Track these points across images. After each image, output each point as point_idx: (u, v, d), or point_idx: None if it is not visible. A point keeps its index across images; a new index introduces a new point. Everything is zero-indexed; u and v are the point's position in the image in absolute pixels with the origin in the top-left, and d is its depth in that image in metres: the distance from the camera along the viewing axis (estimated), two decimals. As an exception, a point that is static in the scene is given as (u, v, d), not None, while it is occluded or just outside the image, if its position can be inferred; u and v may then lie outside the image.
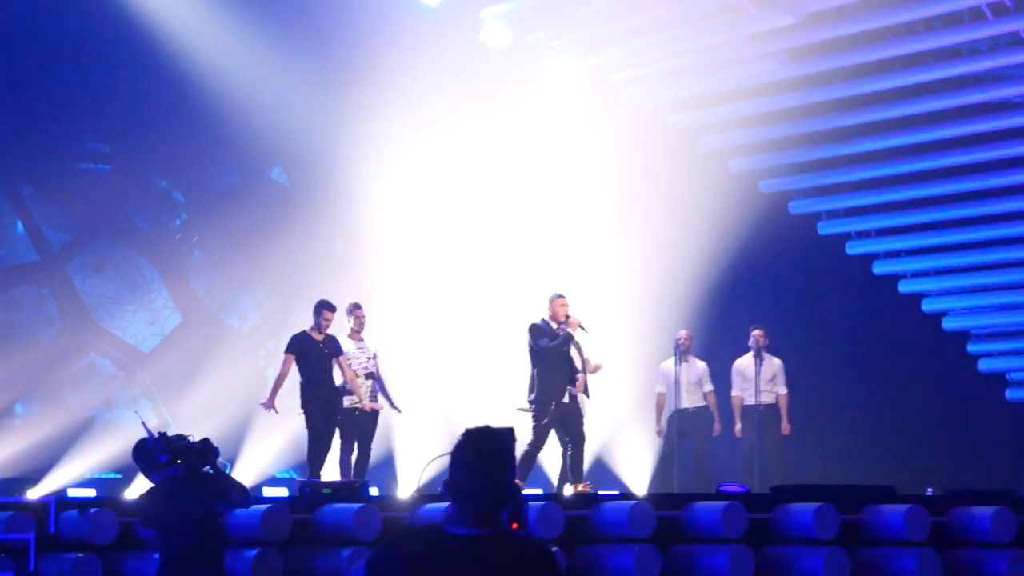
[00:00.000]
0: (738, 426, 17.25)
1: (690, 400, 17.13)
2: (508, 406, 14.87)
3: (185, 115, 18.83)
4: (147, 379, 18.85)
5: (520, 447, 14.16)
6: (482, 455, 4.85)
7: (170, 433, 9.28)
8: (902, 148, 19.57)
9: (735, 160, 20.80)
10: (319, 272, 19.37)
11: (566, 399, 14.52)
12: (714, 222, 19.63)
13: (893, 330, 20.58)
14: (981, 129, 18.83)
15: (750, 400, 17.25)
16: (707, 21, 18.74)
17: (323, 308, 15.05)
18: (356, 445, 15.18)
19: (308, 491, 12.85)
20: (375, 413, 15.32)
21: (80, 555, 11.60)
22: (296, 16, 18.87)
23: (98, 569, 11.54)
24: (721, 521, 12.13)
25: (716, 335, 18.77)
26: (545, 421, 14.42)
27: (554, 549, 11.21)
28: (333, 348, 15.01)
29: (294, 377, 14.94)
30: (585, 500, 12.80)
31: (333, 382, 15.00)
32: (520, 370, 15.00)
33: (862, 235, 20.70)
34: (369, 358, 15.37)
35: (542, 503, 12.08)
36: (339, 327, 15.25)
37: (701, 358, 17.56)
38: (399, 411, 15.46)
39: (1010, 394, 20.27)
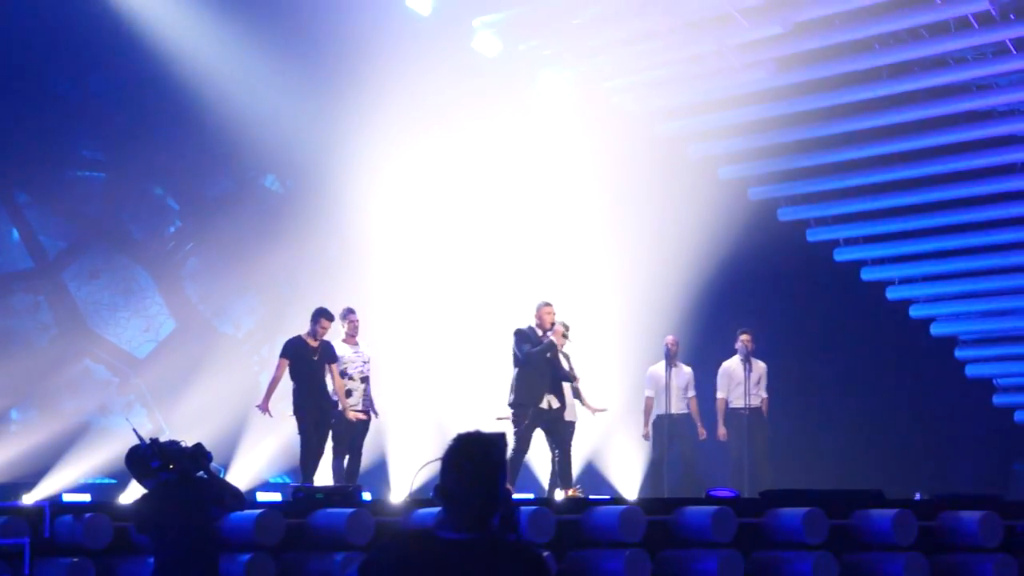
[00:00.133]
0: (721, 429, 17.33)
1: (678, 405, 17.18)
2: (499, 411, 14.96)
3: (180, 123, 18.87)
4: (142, 385, 18.88)
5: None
6: (473, 460, 4.87)
7: (162, 439, 9.32)
8: (890, 156, 19.67)
9: (724, 168, 20.89)
10: (312, 279, 19.41)
11: (545, 405, 14.62)
12: (703, 229, 19.70)
13: (881, 336, 20.66)
14: (967, 137, 18.94)
15: (738, 403, 17.32)
16: (696, 30, 18.84)
17: (321, 316, 15.07)
18: (348, 449, 15.26)
19: (301, 496, 12.91)
20: (367, 419, 15.40)
21: (74, 560, 11.63)
22: (290, 25, 18.92)
23: (92, 574, 11.56)
24: (711, 526, 12.18)
25: (706, 341, 18.83)
26: (525, 425, 14.53)
27: (545, 553, 11.29)
28: (327, 354, 15.08)
29: (287, 381, 15.00)
30: (576, 505, 12.86)
31: (326, 388, 15.05)
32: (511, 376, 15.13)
33: (850, 242, 20.81)
34: (365, 362, 15.45)
35: (533, 507, 12.15)
36: (334, 332, 15.32)
37: (688, 363, 17.66)
38: (375, 415, 15.52)
39: (997, 399, 20.37)
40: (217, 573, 9.23)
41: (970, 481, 18.40)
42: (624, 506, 12.51)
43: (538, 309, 14.79)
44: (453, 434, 4.98)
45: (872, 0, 17.55)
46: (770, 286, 20.54)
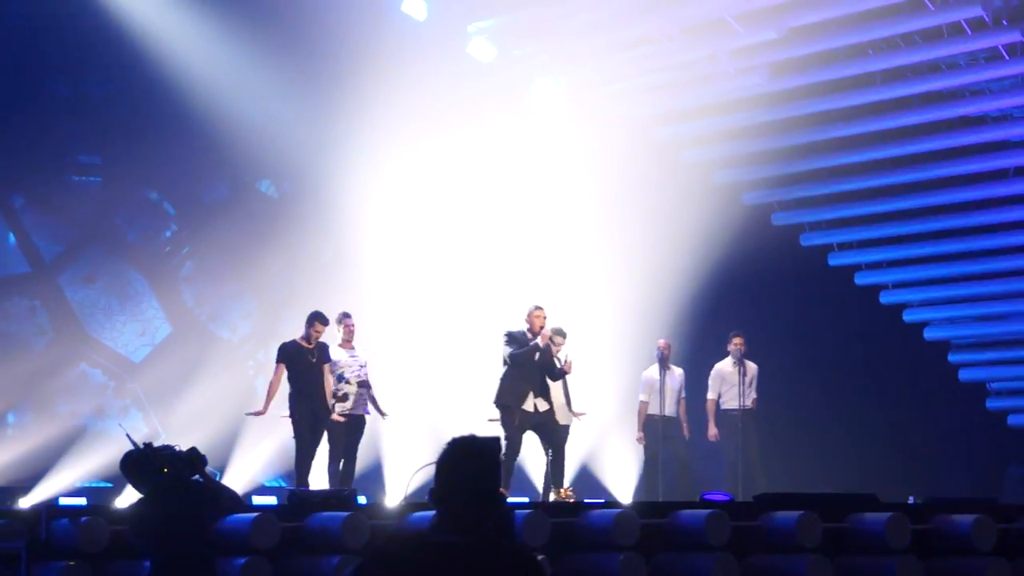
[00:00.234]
0: (712, 430, 17.41)
1: (671, 408, 17.29)
2: (492, 414, 15.01)
3: (175, 128, 18.89)
4: (138, 389, 18.91)
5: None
6: (467, 464, 4.90)
7: (158, 443, 9.34)
8: (883, 161, 19.71)
9: (718, 172, 20.93)
10: (308, 283, 19.44)
11: (530, 407, 14.69)
12: (698, 234, 19.75)
13: (875, 340, 20.70)
14: (961, 142, 18.99)
15: (732, 405, 17.39)
16: (690, 36, 18.89)
17: (315, 320, 15.12)
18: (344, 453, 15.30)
19: (297, 500, 12.94)
20: (362, 422, 15.43)
21: (71, 563, 11.66)
22: (286, 30, 18.95)
23: (89, 577, 11.60)
24: (706, 529, 12.21)
25: (700, 345, 18.89)
26: (512, 427, 14.60)
27: (540, 557, 11.32)
28: (322, 356, 15.14)
29: (283, 385, 15.06)
30: (571, 508, 12.90)
31: (321, 391, 15.10)
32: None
33: (844, 247, 20.85)
34: (361, 366, 15.48)
35: (528, 511, 12.18)
36: (329, 336, 15.37)
37: (682, 367, 17.73)
38: (384, 416, 15.57)
39: (990, 403, 20.41)
40: (213, 577, 9.26)
41: (964, 485, 18.44)
42: (619, 509, 12.54)
43: (528, 313, 14.91)
44: (448, 438, 5.00)
45: (866, 6, 17.60)
46: (764, 291, 20.58)
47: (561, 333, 15.00)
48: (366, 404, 15.42)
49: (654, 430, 17.26)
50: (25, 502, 15.76)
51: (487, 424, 14.82)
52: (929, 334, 20.65)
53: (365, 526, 11.84)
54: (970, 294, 20.23)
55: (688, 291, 19.75)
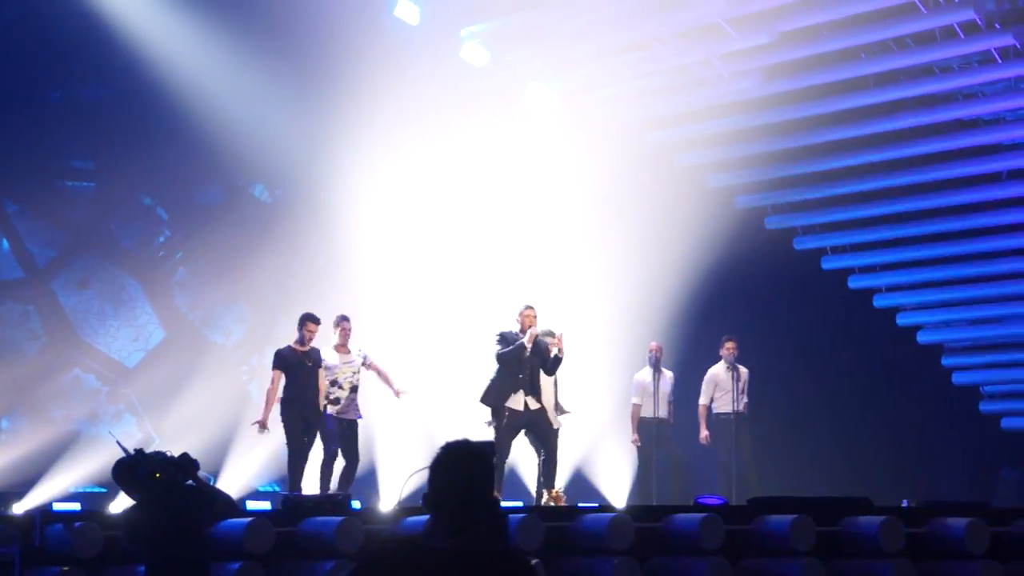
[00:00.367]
0: (704, 432, 17.45)
1: (664, 410, 17.38)
2: (487, 418, 15.02)
3: (169, 133, 18.89)
4: (131, 394, 18.90)
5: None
6: (460, 468, 4.93)
7: (152, 448, 9.34)
8: (876, 164, 19.74)
9: (712, 176, 20.96)
10: (301, 288, 19.44)
11: (520, 406, 14.71)
12: (691, 237, 19.77)
13: (868, 344, 20.72)
14: (954, 146, 19.02)
15: (725, 409, 17.43)
16: (683, 40, 18.91)
17: (307, 320, 15.15)
18: (342, 455, 15.32)
19: (291, 504, 12.94)
20: (353, 426, 15.46)
21: (65, 569, 11.64)
22: (278, 35, 18.95)
23: (83, 582, 11.59)
24: (699, 533, 12.21)
25: (694, 349, 18.91)
26: (501, 426, 14.62)
27: (534, 561, 11.33)
28: (317, 360, 15.16)
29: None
30: (564, 512, 12.90)
31: (314, 396, 15.13)
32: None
33: (837, 250, 20.87)
34: (355, 372, 15.51)
35: (522, 515, 12.18)
36: (324, 339, 15.39)
37: (676, 371, 17.78)
38: (400, 394, 15.63)
39: (984, 407, 20.43)
40: (207, 582, 9.25)
41: (957, 488, 18.46)
42: (613, 513, 12.55)
43: (519, 312, 14.96)
44: (441, 442, 5.02)
45: (858, 10, 17.63)
46: (757, 294, 20.60)
47: (550, 334, 15.02)
48: (358, 409, 15.45)
49: (648, 433, 17.32)
50: (19, 507, 15.73)
51: (481, 428, 14.82)
52: (922, 338, 20.67)
53: (359, 531, 11.83)
54: (963, 297, 20.26)
55: (681, 295, 19.77)
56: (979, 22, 17.24)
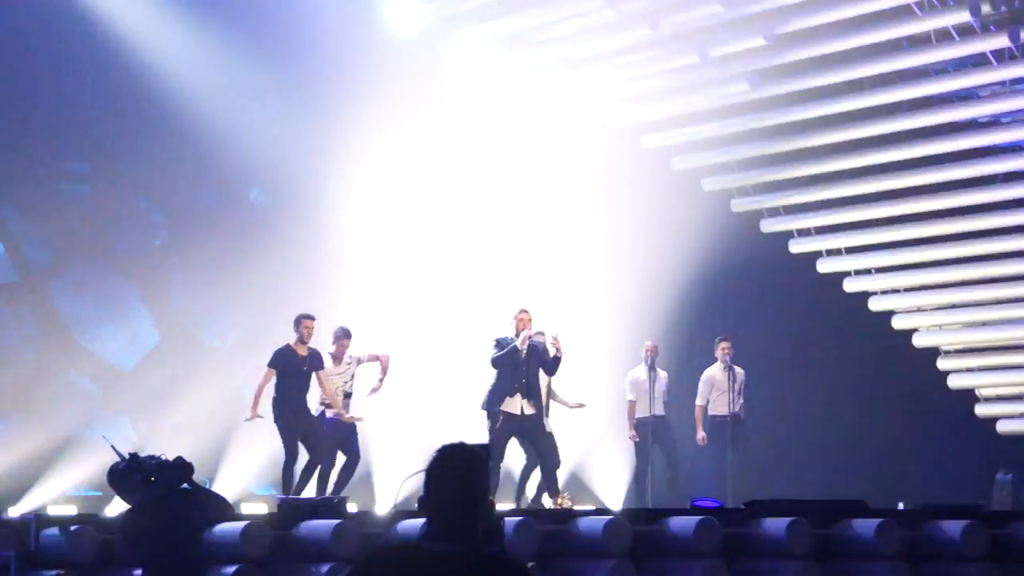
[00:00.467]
0: (700, 434, 17.48)
1: (660, 409, 17.44)
2: (484, 423, 15.03)
3: (164, 137, 18.88)
4: (127, 397, 18.88)
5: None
6: (456, 471, 4.92)
7: (147, 452, 9.33)
8: (872, 167, 19.74)
9: (707, 179, 20.97)
10: (296, 291, 19.39)
11: (516, 410, 14.72)
12: (686, 240, 19.78)
13: (863, 346, 20.71)
14: (949, 148, 19.01)
15: (721, 411, 17.46)
16: (680, 43, 18.93)
17: (303, 319, 15.22)
18: (342, 453, 15.38)
19: (287, 508, 12.95)
20: (353, 424, 15.53)
21: (61, 572, 11.65)
22: (273, 39, 18.95)
23: (78, 586, 11.59)
24: (696, 535, 12.23)
25: (690, 351, 18.93)
26: (494, 433, 14.64)
27: (529, 564, 11.33)
28: (314, 363, 15.19)
29: (270, 391, 15.12)
30: (561, 515, 12.91)
31: (306, 399, 15.18)
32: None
33: (833, 253, 20.86)
34: (346, 381, 15.59)
35: (518, 518, 12.19)
36: (322, 345, 15.43)
37: (672, 373, 17.83)
38: (371, 391, 15.71)
39: (979, 409, 20.42)
40: (203, 585, 9.25)
41: (953, 491, 18.44)
42: (609, 516, 12.56)
43: (514, 316, 14.98)
44: (437, 445, 5.01)
45: (854, 12, 17.64)
46: (753, 297, 20.60)
47: (539, 333, 15.06)
48: (375, 390, 15.64)
49: (644, 432, 17.36)
50: (14, 511, 15.74)
51: (477, 431, 14.83)
52: (918, 340, 20.66)
53: (355, 534, 11.84)
54: (959, 300, 20.25)
55: (677, 297, 19.78)
56: (974, 24, 17.25)
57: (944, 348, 20.67)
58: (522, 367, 14.76)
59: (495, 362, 14.82)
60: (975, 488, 18.72)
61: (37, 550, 11.76)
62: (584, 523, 12.43)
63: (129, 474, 9.05)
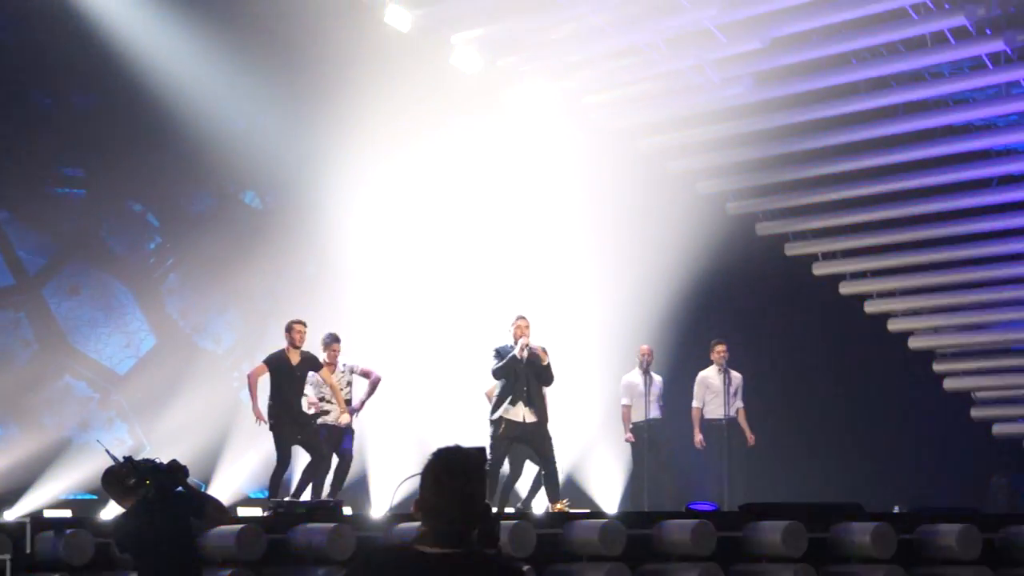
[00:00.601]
0: (698, 436, 17.50)
1: (656, 412, 17.44)
2: (479, 426, 15.03)
3: (159, 140, 18.88)
4: (122, 401, 18.87)
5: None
6: (452, 474, 4.90)
7: (143, 455, 9.33)
8: (867, 170, 19.76)
9: (703, 182, 20.99)
10: (292, 295, 19.43)
11: (518, 418, 14.72)
12: (682, 243, 19.79)
13: (859, 350, 20.72)
14: (945, 152, 19.04)
15: (717, 414, 17.46)
16: (675, 46, 18.92)
17: (293, 324, 15.21)
18: (336, 455, 15.39)
19: (282, 511, 12.94)
20: (347, 427, 15.53)
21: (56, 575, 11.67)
22: (269, 42, 18.95)
23: (74, 589, 11.60)
24: (691, 539, 12.24)
25: (685, 355, 18.91)
26: (495, 439, 14.64)
27: (525, 567, 11.34)
28: (309, 367, 15.18)
29: (264, 395, 15.12)
30: (556, 519, 12.91)
31: (302, 404, 15.17)
32: (491, 390, 15.25)
33: (828, 256, 20.89)
34: (342, 387, 15.58)
35: (514, 522, 12.19)
36: (312, 350, 15.42)
37: (667, 376, 17.82)
38: (350, 415, 15.65)
39: (975, 412, 20.44)
40: (198, 588, 9.24)
41: (948, 494, 18.46)
42: (604, 520, 12.57)
43: (512, 324, 14.98)
44: (433, 448, 5.01)
45: (850, 15, 17.64)
46: (748, 300, 20.60)
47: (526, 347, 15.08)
48: (360, 405, 15.58)
49: (639, 436, 17.36)
50: (10, 515, 15.72)
51: (473, 434, 14.83)
52: (913, 343, 20.68)
53: (350, 537, 11.85)
54: (955, 303, 20.28)
55: (672, 300, 19.78)
56: (970, 28, 17.26)
57: (940, 351, 20.69)
58: (522, 375, 14.76)
59: (495, 373, 14.81)
60: (970, 491, 18.73)
61: (33, 553, 11.76)
62: (580, 526, 12.44)
63: (123, 477, 9.02)
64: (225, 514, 9.47)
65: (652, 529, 12.51)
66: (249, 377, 15.14)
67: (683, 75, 19.41)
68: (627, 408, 17.55)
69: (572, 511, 13.92)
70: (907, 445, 20.14)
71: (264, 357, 15.26)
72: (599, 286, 19.56)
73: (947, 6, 17.26)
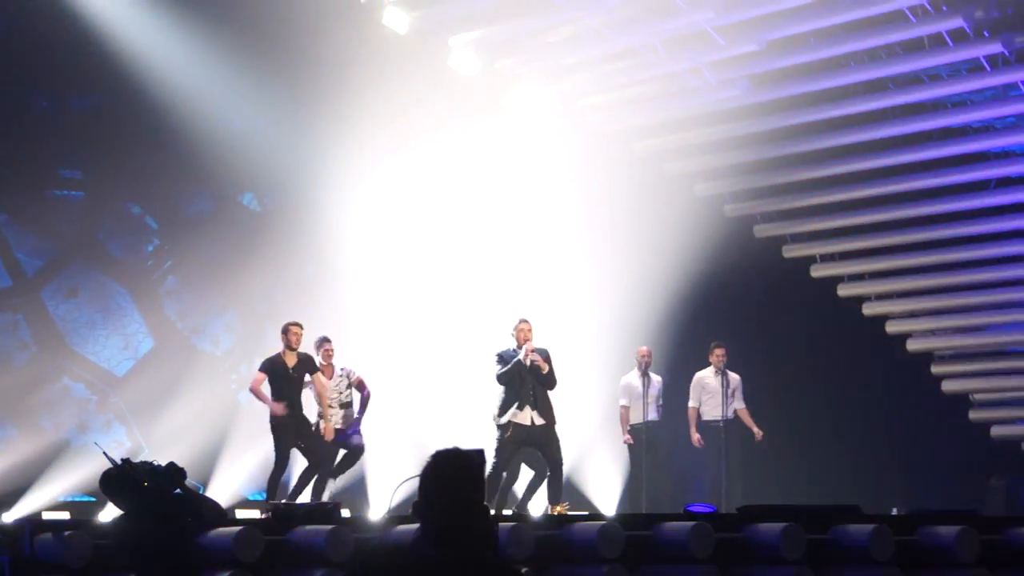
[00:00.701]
0: (695, 435, 17.53)
1: (653, 414, 17.46)
2: (478, 428, 15.03)
3: (158, 142, 18.88)
4: (120, 403, 18.88)
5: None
6: (451, 477, 4.92)
7: (141, 457, 9.35)
8: (865, 172, 19.76)
9: (700, 184, 20.99)
10: (290, 297, 19.45)
11: (527, 421, 14.72)
12: (680, 245, 19.79)
13: (857, 352, 20.73)
14: (942, 154, 19.04)
15: (714, 415, 17.48)
16: (672, 48, 18.93)
17: (290, 326, 15.23)
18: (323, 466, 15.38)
19: (280, 513, 12.93)
20: (352, 428, 15.53)
21: (56, 579, 11.66)
22: (267, 44, 18.95)
23: (73, 591, 11.58)
24: (689, 541, 12.23)
25: (682, 358, 18.93)
26: (503, 443, 14.64)
27: (524, 570, 11.33)
28: (306, 368, 15.18)
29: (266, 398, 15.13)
30: (555, 521, 12.91)
31: (302, 406, 15.18)
32: (489, 392, 15.23)
33: (826, 258, 20.89)
34: (342, 391, 15.57)
35: (511, 524, 12.19)
36: (310, 351, 15.43)
37: (665, 379, 17.84)
38: (358, 446, 15.63)
39: (973, 415, 20.44)
40: (196, 590, 9.24)
41: (947, 496, 18.46)
42: (603, 522, 12.56)
43: (515, 327, 14.98)
44: (431, 451, 5.01)
45: (847, 18, 17.65)
46: (746, 302, 20.62)
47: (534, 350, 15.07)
48: (358, 424, 15.54)
49: (638, 438, 17.37)
50: (8, 517, 15.72)
51: (472, 437, 14.84)
52: (912, 345, 20.68)
53: (349, 540, 11.83)
54: (953, 305, 20.28)
55: (670, 303, 19.79)
56: (968, 30, 17.26)
57: (938, 353, 20.69)
58: (528, 379, 14.77)
59: (500, 379, 14.82)
60: (969, 493, 18.73)
61: (31, 556, 11.74)
62: (578, 528, 12.43)
63: (121, 480, 9.03)
64: (222, 517, 9.46)
65: (650, 531, 12.49)
66: (252, 389, 15.16)
67: (680, 77, 19.41)
68: (625, 409, 17.57)
69: (571, 514, 13.93)
70: (905, 447, 20.15)
71: (260, 363, 15.26)
72: (596, 288, 19.56)
73: (945, 8, 17.27)
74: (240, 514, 14.11)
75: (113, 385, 18.98)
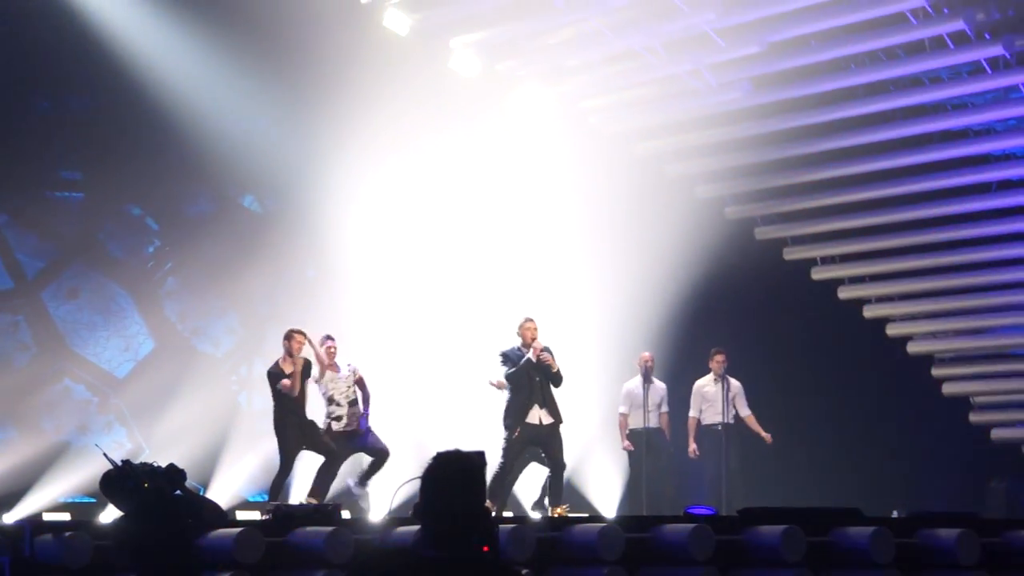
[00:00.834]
0: (692, 446, 17.52)
1: (654, 420, 17.44)
2: (479, 429, 15.03)
3: (158, 143, 18.89)
4: (121, 404, 18.88)
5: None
6: (451, 478, 4.92)
7: (141, 459, 9.34)
8: (866, 175, 19.75)
9: (701, 186, 20.99)
10: (291, 298, 19.45)
11: (535, 420, 14.73)
12: (680, 248, 19.80)
13: (858, 354, 20.72)
14: (943, 156, 19.04)
15: (714, 420, 17.49)
16: (673, 50, 18.93)
17: (294, 333, 15.21)
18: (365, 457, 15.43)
19: (280, 514, 12.93)
20: (363, 429, 15.54)
21: (57, 580, 11.67)
22: (268, 46, 18.95)
23: (73, 592, 11.58)
24: (690, 543, 12.23)
25: (682, 359, 18.93)
26: (511, 442, 14.63)
27: (524, 571, 11.33)
28: (305, 373, 15.17)
29: (267, 402, 15.12)
30: (555, 522, 12.91)
31: (304, 410, 15.17)
32: (490, 394, 15.23)
33: (827, 260, 20.89)
34: (348, 386, 15.55)
35: (512, 525, 12.19)
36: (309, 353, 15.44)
37: (665, 381, 17.83)
38: (378, 446, 15.64)
39: (973, 417, 20.43)
40: (197, 592, 9.25)
41: (947, 499, 18.47)
42: (603, 524, 12.56)
43: (520, 326, 14.97)
44: (433, 452, 5.01)
45: (847, 20, 17.65)
46: (747, 304, 20.60)
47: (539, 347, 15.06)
48: (364, 421, 15.54)
49: (638, 443, 17.36)
50: (8, 518, 15.73)
51: (472, 438, 14.82)
52: (912, 348, 20.67)
53: (349, 541, 11.83)
54: (953, 308, 20.27)
55: (671, 305, 19.79)
56: (969, 33, 17.26)
57: (938, 355, 20.69)
58: (536, 379, 14.77)
59: (509, 379, 14.80)
60: (969, 496, 18.74)
61: (31, 556, 11.74)
62: (578, 530, 12.43)
63: (122, 481, 9.03)
64: (222, 519, 9.46)
65: (650, 533, 12.49)
66: (286, 387, 15.06)
67: (681, 79, 19.42)
68: (624, 416, 17.57)
69: (571, 515, 13.93)
70: (906, 449, 20.14)
71: (262, 370, 15.26)
72: (597, 290, 19.56)
73: (946, 11, 17.27)
74: (240, 516, 14.11)
75: (114, 386, 18.98)
